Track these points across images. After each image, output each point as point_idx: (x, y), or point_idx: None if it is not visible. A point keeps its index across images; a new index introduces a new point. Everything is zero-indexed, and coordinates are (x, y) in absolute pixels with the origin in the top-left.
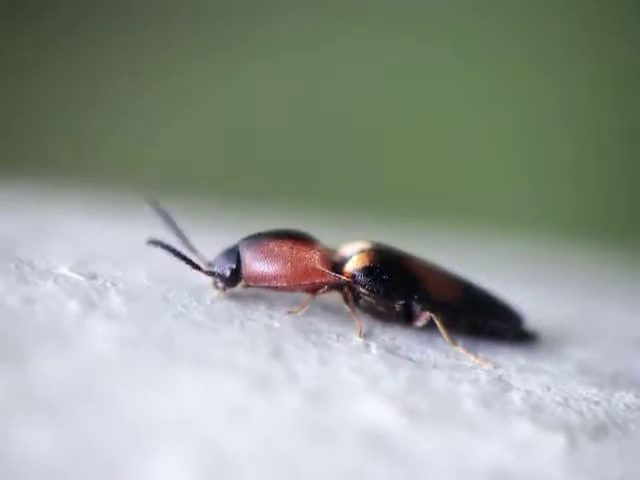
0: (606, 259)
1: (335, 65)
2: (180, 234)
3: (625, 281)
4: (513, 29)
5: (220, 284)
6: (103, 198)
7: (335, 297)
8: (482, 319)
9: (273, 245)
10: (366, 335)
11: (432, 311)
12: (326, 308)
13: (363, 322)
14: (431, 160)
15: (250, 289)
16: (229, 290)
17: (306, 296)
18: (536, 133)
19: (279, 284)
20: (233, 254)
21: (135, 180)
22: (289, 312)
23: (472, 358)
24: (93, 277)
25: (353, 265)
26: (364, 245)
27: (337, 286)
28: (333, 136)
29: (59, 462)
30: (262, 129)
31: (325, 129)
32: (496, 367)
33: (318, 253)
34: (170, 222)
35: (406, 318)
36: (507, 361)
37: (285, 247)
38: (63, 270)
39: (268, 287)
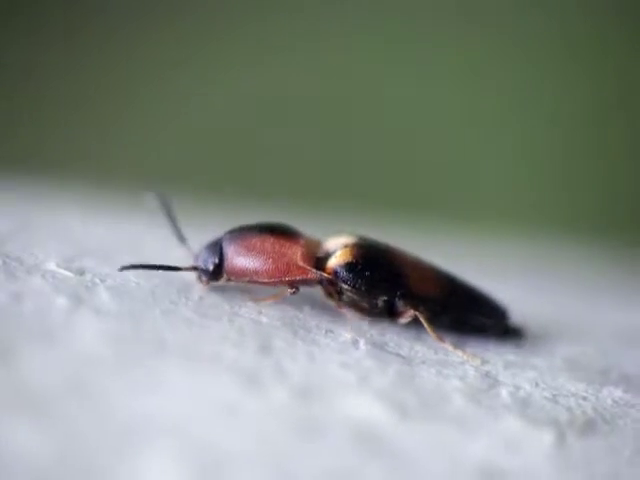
0: (595, 255)
1: (335, 64)
2: (174, 222)
3: (614, 277)
4: (512, 30)
5: (204, 278)
6: (93, 194)
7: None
8: (466, 314)
9: (256, 240)
10: (352, 330)
11: (416, 308)
12: (314, 304)
13: (353, 317)
14: (427, 158)
15: (237, 283)
16: (213, 284)
17: (284, 289)
18: (531, 132)
19: (261, 279)
20: (216, 248)
21: (126, 177)
22: (258, 300)
23: (460, 354)
24: (81, 273)
25: (335, 261)
26: (348, 240)
27: (320, 282)
28: (331, 134)
29: (48, 460)
30: (260, 127)
31: (323, 127)
32: (484, 363)
33: (300, 249)
34: (168, 209)
35: (389, 314)
36: (495, 357)
37: (267, 242)
38: (51, 266)
39: (250, 282)
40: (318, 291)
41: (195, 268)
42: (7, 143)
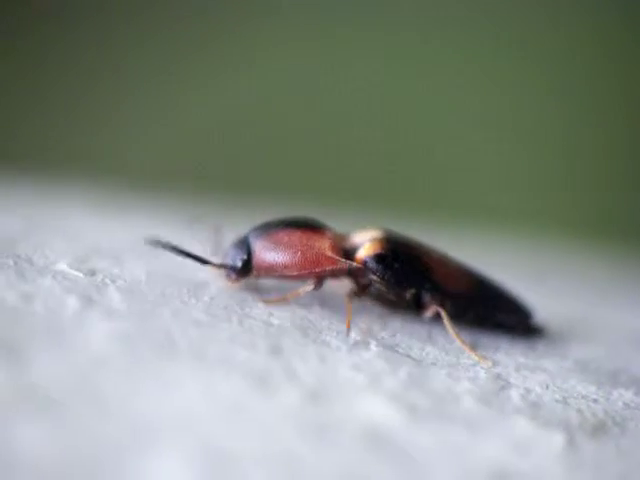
0: (605, 257)
1: (338, 61)
2: (217, 247)
3: (625, 279)
4: (517, 27)
5: (233, 276)
6: (103, 194)
7: (334, 294)
8: (491, 312)
9: (283, 234)
10: (363, 332)
11: (441, 304)
12: (325, 305)
13: (363, 320)
14: (429, 157)
15: (252, 284)
16: (242, 281)
17: (301, 287)
18: (539, 131)
19: (290, 273)
20: (244, 245)
21: (135, 177)
22: (268, 301)
23: (471, 355)
24: (92, 273)
25: (364, 252)
26: (376, 233)
27: (349, 274)
28: (341, 131)
29: (57, 459)
30: (264, 123)
31: (331, 123)
32: (495, 365)
33: (328, 240)
34: (217, 238)
35: (416, 308)
36: (506, 358)
37: (295, 235)
38: (62, 266)
39: (279, 276)
40: (330, 294)
41: (224, 266)
42: (17, 143)
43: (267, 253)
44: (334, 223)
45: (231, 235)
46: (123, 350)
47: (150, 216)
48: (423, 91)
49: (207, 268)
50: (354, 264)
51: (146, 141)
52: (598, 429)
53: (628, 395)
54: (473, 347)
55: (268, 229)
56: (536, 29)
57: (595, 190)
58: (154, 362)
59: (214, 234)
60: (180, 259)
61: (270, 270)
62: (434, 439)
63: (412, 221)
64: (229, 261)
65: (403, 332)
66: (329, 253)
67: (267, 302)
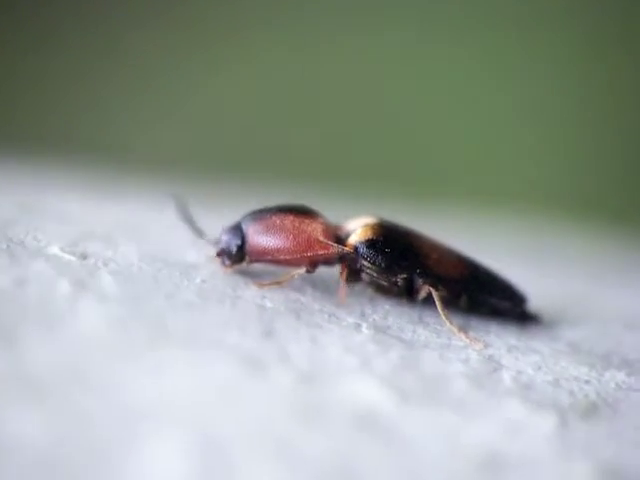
0: (600, 240)
1: (333, 51)
2: (191, 222)
3: (618, 261)
4: (518, 13)
5: (227, 261)
6: (95, 178)
7: (326, 277)
8: (484, 297)
9: (276, 219)
10: (354, 314)
11: (434, 286)
12: (317, 288)
13: (355, 302)
14: (435, 141)
15: (244, 267)
16: (236, 267)
17: (290, 272)
18: (537, 113)
19: (283, 257)
20: (237, 230)
21: (129, 160)
22: (262, 284)
23: (463, 337)
24: (84, 257)
25: (356, 237)
26: (368, 219)
27: (340, 259)
28: (346, 118)
29: (50, 444)
30: (270, 111)
31: (336, 111)
32: (487, 346)
33: (321, 225)
34: (185, 210)
35: (408, 293)
36: (498, 340)
37: (287, 219)
38: (54, 250)
39: (272, 261)
40: (321, 276)
41: (218, 252)
42: (8, 125)
43: (260, 237)
44: (329, 211)
45: (220, 217)
46: (115, 334)
47: (143, 200)
48: (415, 75)
49: (201, 251)
50: (345, 249)
51: (141, 125)
52: (590, 411)
53: (620, 376)
54: (464, 329)
55: (261, 214)
56: (541, 17)
57: (589, 171)
58: (146, 346)
59: (180, 208)
60: (171, 242)
61: (263, 254)
62: (425, 421)
63: (409, 207)
64: (223, 246)
65: (394, 314)
66: (321, 238)
67: (260, 285)
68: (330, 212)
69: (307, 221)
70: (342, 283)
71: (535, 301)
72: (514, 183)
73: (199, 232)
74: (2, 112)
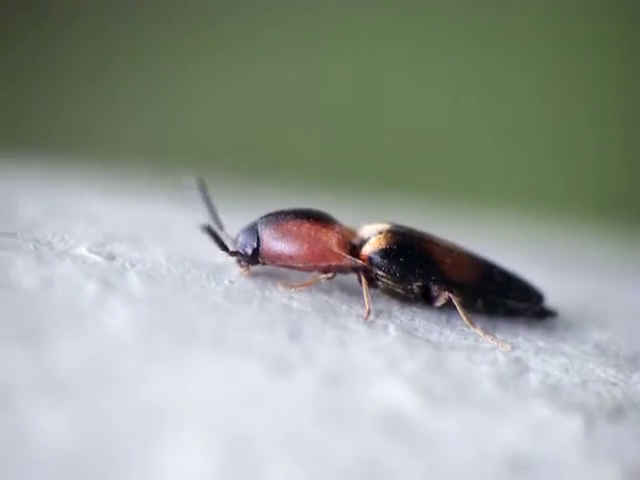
0: (621, 239)
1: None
2: (212, 208)
3: (636, 262)
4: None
5: (244, 262)
6: (122, 178)
7: (354, 278)
8: (502, 299)
9: (292, 224)
10: (382, 315)
11: (450, 291)
12: (345, 289)
13: (382, 303)
14: (446, 144)
15: (272, 268)
16: (253, 268)
17: (317, 274)
18: (549, 109)
19: (296, 264)
20: (253, 232)
21: (155, 160)
22: (289, 285)
23: (490, 340)
24: (111, 258)
25: (370, 248)
26: (382, 226)
27: (354, 269)
28: (331, 120)
29: (76, 444)
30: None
31: (346, 113)
32: (514, 348)
33: (336, 235)
34: (205, 194)
35: (424, 299)
36: (525, 342)
37: (304, 227)
38: (81, 251)
39: (285, 266)
40: (349, 277)
41: (235, 253)
42: (36, 128)
43: (274, 242)
44: (343, 215)
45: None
46: (142, 335)
47: (166, 199)
48: (417, 73)
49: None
50: (359, 262)
51: (167, 125)
52: (617, 413)
53: None
54: (491, 332)
55: (278, 218)
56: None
57: (608, 171)
58: (173, 347)
59: (202, 191)
60: (198, 243)
61: (276, 259)
62: (452, 423)
63: (421, 208)
64: (240, 248)
65: (421, 316)
66: (335, 249)
67: (287, 286)
68: (344, 215)
69: (323, 230)
70: (366, 299)
71: (560, 303)
72: (531, 184)
73: (218, 221)
74: (24, 114)
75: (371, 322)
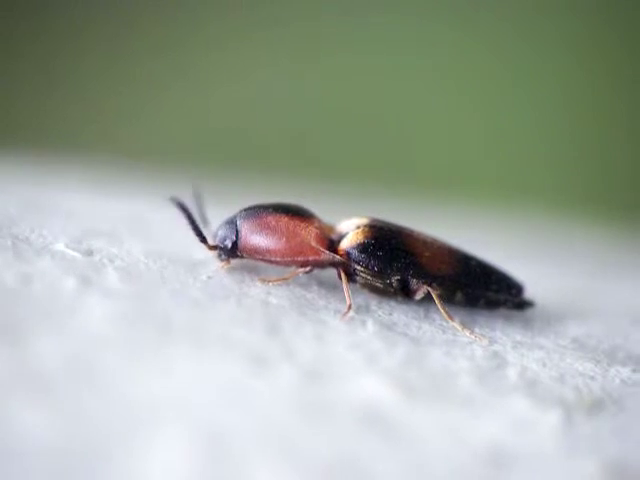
0: (604, 234)
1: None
2: (200, 207)
3: (622, 255)
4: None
5: (223, 256)
6: (99, 174)
7: (333, 273)
8: (481, 291)
9: (270, 218)
10: (360, 310)
11: (429, 285)
12: (323, 284)
13: (360, 298)
14: (437, 141)
15: (250, 263)
16: (233, 262)
17: (295, 269)
18: (535, 104)
19: (274, 258)
20: (232, 225)
21: (132, 156)
22: (266, 280)
23: (468, 334)
24: (90, 254)
25: (348, 242)
26: (360, 221)
27: (332, 263)
28: (345, 116)
29: (56, 441)
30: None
31: (337, 109)
32: (492, 343)
33: (314, 230)
34: (198, 199)
35: (403, 293)
36: (503, 337)
37: (282, 221)
38: (60, 247)
39: (263, 260)
40: (327, 272)
41: (214, 247)
42: (13, 124)
43: (253, 236)
44: (326, 211)
45: (217, 208)
46: (121, 331)
47: (146, 196)
48: (421, 71)
49: (204, 247)
50: (336, 257)
51: (143, 121)
52: (595, 407)
53: (625, 372)
54: (469, 326)
55: (257, 212)
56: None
57: (591, 162)
58: (152, 343)
59: (196, 202)
60: (176, 238)
61: (254, 252)
62: (431, 418)
63: (409, 205)
64: (219, 242)
65: (400, 310)
66: (313, 243)
67: (265, 281)
68: (327, 211)
69: (301, 224)
70: (347, 294)
71: (539, 297)
72: (516, 180)
73: (205, 221)
74: (4, 110)
75: (350, 317)
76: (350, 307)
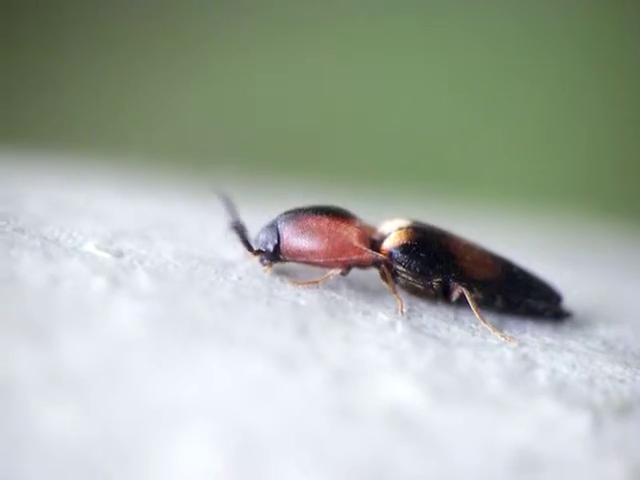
0: (631, 237)
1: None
2: (236, 217)
3: None
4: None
5: (266, 260)
6: (129, 175)
7: (361, 275)
8: (520, 298)
9: (311, 220)
10: (389, 312)
11: (471, 289)
12: (352, 286)
13: (389, 300)
14: (462, 143)
15: (280, 265)
16: (275, 265)
17: (326, 272)
18: (546, 108)
19: (316, 260)
20: (274, 229)
21: (163, 157)
22: (297, 282)
23: (498, 335)
24: (119, 254)
25: (390, 243)
26: (402, 222)
27: (375, 264)
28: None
29: (84, 441)
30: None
31: (362, 111)
32: (521, 345)
33: (356, 230)
34: (231, 208)
35: (444, 296)
36: (533, 339)
37: (323, 223)
38: (89, 248)
39: (306, 262)
40: (356, 274)
41: (258, 251)
42: (42, 125)
43: (295, 238)
44: (362, 212)
45: (251, 212)
46: (151, 332)
47: (177, 196)
48: (423, 71)
49: (237, 248)
50: (380, 255)
51: (173, 121)
52: (624, 410)
53: None
54: (499, 328)
55: (297, 215)
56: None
57: (617, 169)
58: (182, 344)
59: (226, 204)
60: (206, 240)
61: (297, 255)
62: (459, 420)
63: (442, 207)
64: (261, 246)
65: (429, 312)
66: (356, 243)
67: (295, 283)
68: (363, 213)
69: (342, 225)
70: (394, 294)
71: (569, 299)
72: (545, 182)
73: (241, 227)
74: (31, 111)
75: (379, 318)
76: (403, 304)
